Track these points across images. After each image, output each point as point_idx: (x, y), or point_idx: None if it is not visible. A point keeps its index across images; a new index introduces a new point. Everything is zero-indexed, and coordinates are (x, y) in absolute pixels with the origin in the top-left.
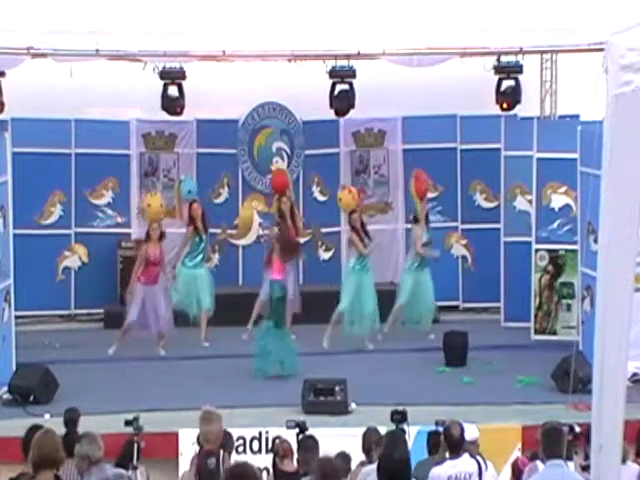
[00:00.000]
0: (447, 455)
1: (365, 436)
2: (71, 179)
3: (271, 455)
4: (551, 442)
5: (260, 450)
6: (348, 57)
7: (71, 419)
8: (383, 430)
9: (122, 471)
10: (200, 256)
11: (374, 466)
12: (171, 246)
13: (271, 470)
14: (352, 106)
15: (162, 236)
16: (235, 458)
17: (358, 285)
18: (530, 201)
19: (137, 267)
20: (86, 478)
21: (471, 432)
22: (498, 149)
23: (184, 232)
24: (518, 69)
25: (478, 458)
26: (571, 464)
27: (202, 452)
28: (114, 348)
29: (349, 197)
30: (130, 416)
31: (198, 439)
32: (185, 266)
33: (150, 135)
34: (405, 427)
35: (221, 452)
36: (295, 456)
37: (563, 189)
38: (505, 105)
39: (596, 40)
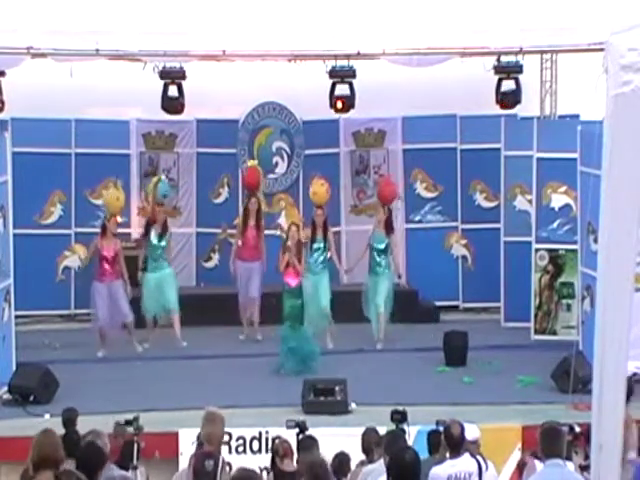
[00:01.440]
0: (447, 455)
1: (365, 436)
2: (71, 179)
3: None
4: (550, 442)
5: (260, 450)
6: (348, 57)
7: (69, 419)
8: (383, 430)
9: (127, 474)
10: (161, 258)
11: (374, 466)
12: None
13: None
14: (352, 106)
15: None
16: (235, 458)
17: (314, 284)
18: (530, 201)
19: (88, 260)
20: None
21: (472, 432)
22: (498, 149)
23: (184, 232)
24: (518, 69)
25: (478, 458)
26: (570, 464)
27: (200, 452)
28: (102, 352)
29: (323, 189)
30: (130, 416)
31: (198, 437)
32: (147, 270)
33: (150, 135)
34: (405, 427)
35: (221, 457)
36: (295, 456)
37: (563, 189)
38: (505, 105)
39: (596, 40)
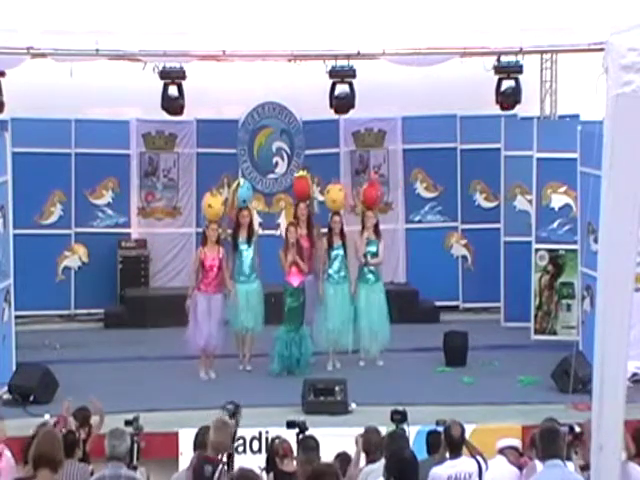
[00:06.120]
0: (447, 455)
1: (366, 436)
2: (71, 179)
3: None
4: (548, 443)
5: (260, 450)
6: (348, 57)
7: (84, 418)
8: (383, 430)
9: (136, 475)
10: (249, 268)
11: (374, 466)
12: (171, 245)
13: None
14: (352, 106)
15: (219, 239)
16: (235, 458)
17: (338, 296)
18: (530, 201)
19: (194, 273)
20: (102, 470)
21: (513, 440)
22: (498, 149)
23: (184, 232)
24: (518, 69)
25: (478, 458)
26: (570, 464)
27: (201, 456)
28: (209, 373)
29: (342, 196)
30: (130, 416)
31: (195, 442)
32: (237, 281)
33: (150, 135)
34: (405, 427)
35: (221, 465)
36: (295, 456)
37: (563, 189)
38: (505, 105)
39: (596, 40)
